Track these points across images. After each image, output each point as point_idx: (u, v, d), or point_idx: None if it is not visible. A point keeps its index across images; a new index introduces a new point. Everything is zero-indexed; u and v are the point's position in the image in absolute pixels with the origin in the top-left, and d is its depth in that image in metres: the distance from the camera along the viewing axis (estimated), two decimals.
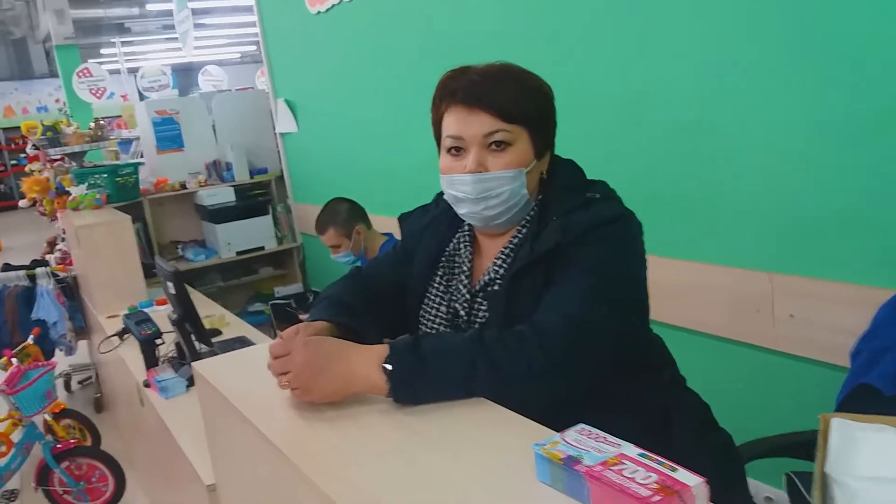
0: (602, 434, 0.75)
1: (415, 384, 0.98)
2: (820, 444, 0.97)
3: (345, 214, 2.94)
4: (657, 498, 0.63)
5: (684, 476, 0.65)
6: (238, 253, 4.86)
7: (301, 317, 3.16)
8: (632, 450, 0.71)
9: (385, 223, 3.06)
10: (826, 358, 1.84)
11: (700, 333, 2.14)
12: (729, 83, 1.95)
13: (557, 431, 0.83)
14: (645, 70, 2.17)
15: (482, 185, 1.18)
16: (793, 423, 1.74)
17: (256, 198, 4.95)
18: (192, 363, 1.25)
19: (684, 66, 2.05)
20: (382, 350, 1.00)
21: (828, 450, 0.95)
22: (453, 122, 1.19)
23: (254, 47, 16.33)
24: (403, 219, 1.45)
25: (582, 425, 0.77)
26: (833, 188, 1.77)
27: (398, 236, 1.49)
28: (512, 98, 1.17)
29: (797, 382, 1.94)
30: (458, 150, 1.20)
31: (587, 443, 0.74)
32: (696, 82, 2.03)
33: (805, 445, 1.58)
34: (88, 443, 3.40)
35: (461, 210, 1.24)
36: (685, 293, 2.14)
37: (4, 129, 16.50)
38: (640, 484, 0.65)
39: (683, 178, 2.12)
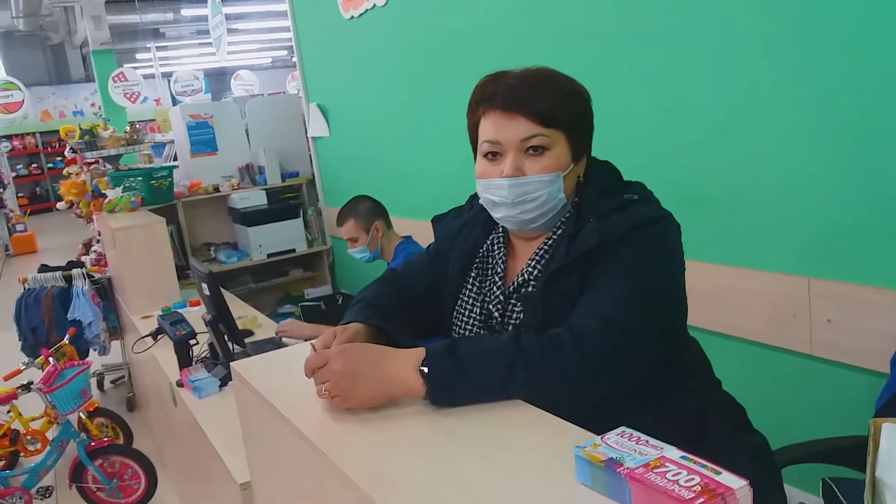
0: (643, 437, 0.75)
1: (452, 387, 0.98)
2: (871, 449, 0.95)
3: (365, 209, 2.96)
4: (700, 500, 0.62)
5: (728, 479, 0.65)
6: (269, 255, 4.90)
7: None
8: (674, 452, 0.71)
9: (414, 227, 3.07)
10: (864, 364, 1.81)
11: (736, 338, 2.12)
12: (767, 85, 1.92)
13: (592, 433, 0.83)
14: (680, 72, 2.15)
15: (519, 189, 1.18)
16: (829, 429, 1.71)
17: (288, 201, 4.99)
18: (231, 363, 1.27)
19: (720, 68, 2.03)
20: (419, 353, 1.01)
21: (878, 455, 0.94)
22: (490, 126, 1.20)
23: (285, 52, 16.53)
24: (437, 220, 1.45)
25: (623, 428, 0.77)
26: (873, 192, 1.74)
27: (427, 239, 1.49)
28: (549, 102, 1.17)
29: (834, 388, 1.91)
30: (495, 155, 1.20)
31: (628, 445, 0.73)
32: (734, 84, 2.01)
33: (842, 452, 1.56)
34: (121, 441, 3.45)
35: (497, 214, 1.24)
36: (721, 297, 2.12)
37: (42, 133, 16.83)
38: (683, 486, 0.64)
39: (720, 181, 2.10)
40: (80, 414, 3.07)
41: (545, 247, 1.24)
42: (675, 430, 0.92)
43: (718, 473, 0.66)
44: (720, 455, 0.96)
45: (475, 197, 1.35)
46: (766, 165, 1.96)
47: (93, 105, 16.04)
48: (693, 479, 0.66)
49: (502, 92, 1.18)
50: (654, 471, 0.68)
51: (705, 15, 2.04)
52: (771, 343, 2.03)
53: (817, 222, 1.87)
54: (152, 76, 12.13)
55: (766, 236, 2.00)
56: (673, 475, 0.67)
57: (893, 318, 1.71)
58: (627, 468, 0.69)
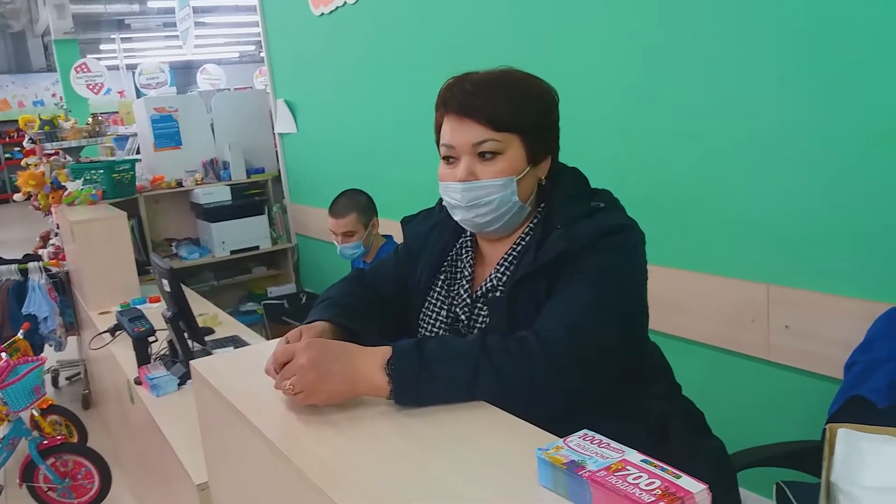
0: (605, 440, 0.75)
1: (417, 387, 0.97)
2: (826, 454, 0.97)
3: (366, 204, 2.91)
4: None
5: (688, 483, 0.65)
6: (232, 252, 4.85)
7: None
8: (635, 456, 0.71)
9: (383, 225, 3.06)
10: (820, 369, 1.85)
11: (696, 343, 2.15)
12: (731, 95, 1.96)
13: (555, 436, 0.83)
14: (646, 79, 2.17)
15: (471, 193, 1.18)
16: (785, 434, 1.75)
17: (252, 197, 4.94)
18: (191, 361, 1.25)
19: (684, 77, 2.06)
20: (385, 352, 1.00)
21: (833, 460, 0.95)
22: (447, 130, 1.21)
23: (252, 47, 16.36)
24: (406, 222, 1.45)
25: (585, 431, 0.77)
26: (831, 201, 1.78)
27: (398, 239, 1.49)
28: (502, 107, 1.17)
29: (790, 393, 1.95)
30: (451, 159, 1.22)
31: (590, 448, 0.74)
32: (698, 94, 2.04)
33: (797, 455, 1.60)
34: (75, 439, 3.37)
35: (456, 216, 1.25)
36: (682, 303, 2.15)
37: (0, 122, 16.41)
38: (644, 490, 0.65)
39: (683, 188, 2.13)
40: (33, 411, 2.99)
41: (513, 252, 1.24)
42: (636, 436, 0.92)
43: (678, 477, 0.66)
44: (680, 460, 0.97)
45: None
46: (729, 174, 2.00)
47: (54, 95, 15.68)
48: (653, 482, 0.66)
49: (457, 97, 1.19)
50: (616, 474, 0.68)
51: (673, 20, 2.07)
52: (730, 348, 2.06)
53: (777, 230, 1.90)
54: (116, 67, 11.89)
55: (727, 243, 2.03)
56: (634, 478, 0.67)
57: (848, 325, 1.75)
58: (589, 471, 0.69)
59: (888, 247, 1.69)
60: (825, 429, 0.99)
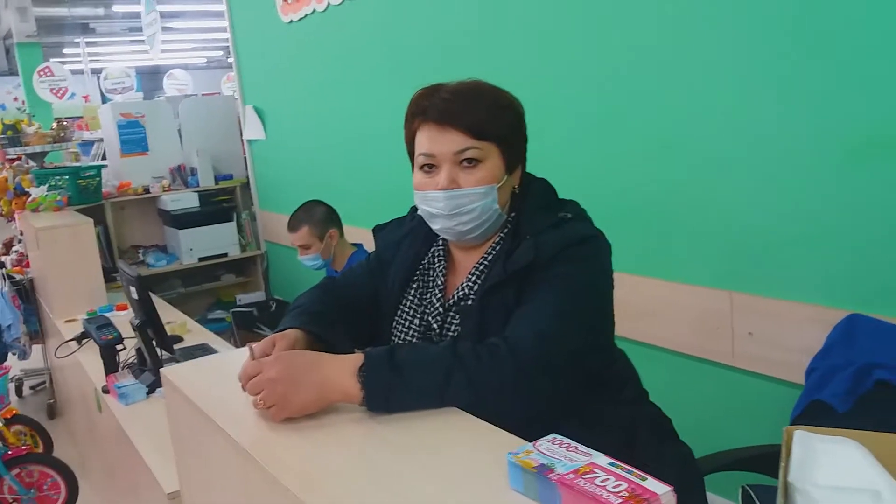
0: (574, 444, 0.77)
1: (389, 393, 0.98)
2: (783, 455, 1.00)
3: (321, 216, 2.92)
4: None
5: (653, 485, 0.68)
6: (200, 259, 4.81)
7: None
8: (602, 459, 0.73)
9: (352, 233, 3.07)
10: (782, 375, 1.90)
11: (662, 349, 2.19)
12: (694, 107, 2.00)
13: (525, 440, 0.85)
14: (610, 90, 2.21)
15: (454, 201, 1.20)
16: (749, 438, 1.78)
17: (221, 204, 4.91)
18: (162, 369, 1.24)
19: (649, 88, 2.10)
20: (357, 359, 1.01)
21: (790, 460, 0.99)
22: (425, 139, 1.22)
23: (220, 52, 16.23)
24: (378, 230, 1.46)
25: (554, 435, 0.79)
26: (793, 211, 1.83)
27: (368, 247, 1.50)
28: (482, 116, 1.20)
29: (754, 398, 1.99)
30: (430, 168, 1.23)
31: (559, 452, 0.76)
32: (662, 106, 2.08)
33: (761, 459, 1.63)
34: (40, 449, 3.32)
35: (435, 225, 1.26)
36: (649, 310, 2.18)
37: None
38: (611, 492, 0.67)
39: (648, 198, 2.17)
40: None
41: (484, 262, 1.26)
42: (604, 441, 0.95)
43: (644, 479, 0.69)
44: (646, 465, 1.00)
45: (416, 208, 1.37)
46: (693, 184, 2.04)
47: (16, 99, 15.36)
48: (620, 484, 0.68)
49: (436, 105, 1.21)
50: (584, 476, 0.70)
51: (641, 30, 2.11)
52: (696, 354, 2.11)
53: (740, 239, 1.95)
54: (81, 72, 11.72)
55: (692, 251, 2.07)
56: (601, 481, 0.69)
57: (809, 332, 1.79)
58: (558, 474, 0.71)
59: (847, 255, 1.74)
60: (783, 431, 1.02)
